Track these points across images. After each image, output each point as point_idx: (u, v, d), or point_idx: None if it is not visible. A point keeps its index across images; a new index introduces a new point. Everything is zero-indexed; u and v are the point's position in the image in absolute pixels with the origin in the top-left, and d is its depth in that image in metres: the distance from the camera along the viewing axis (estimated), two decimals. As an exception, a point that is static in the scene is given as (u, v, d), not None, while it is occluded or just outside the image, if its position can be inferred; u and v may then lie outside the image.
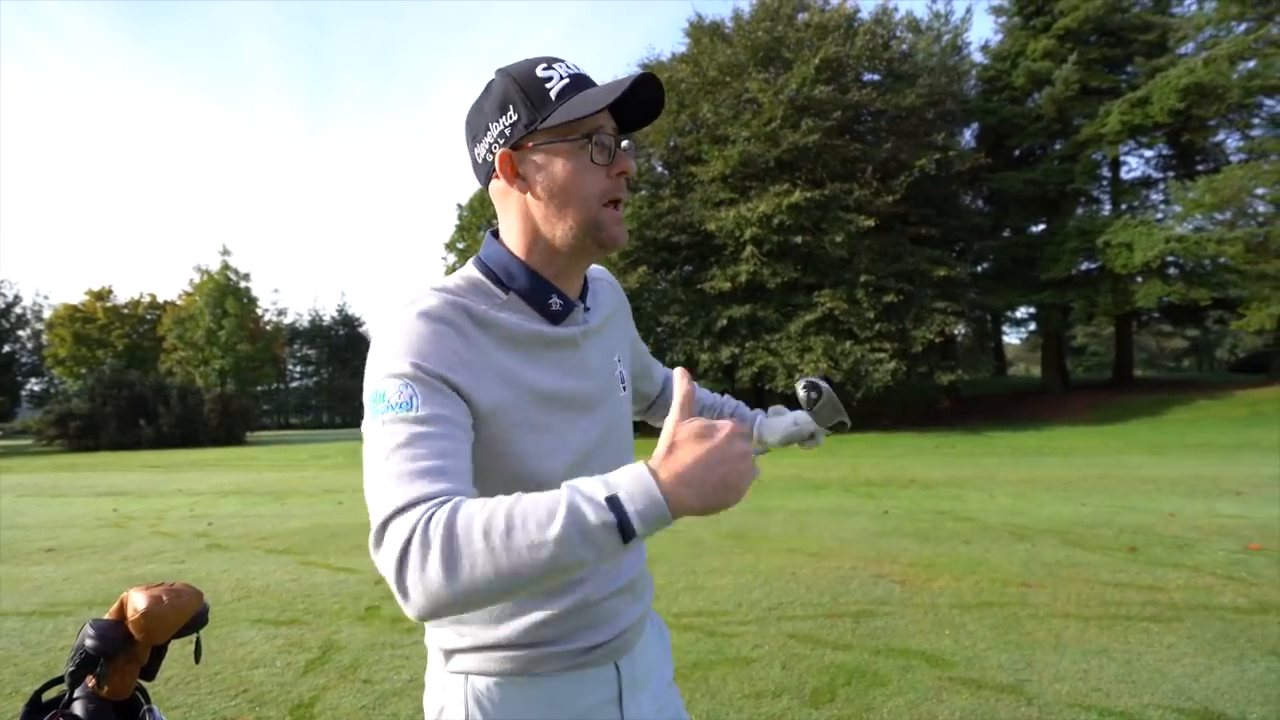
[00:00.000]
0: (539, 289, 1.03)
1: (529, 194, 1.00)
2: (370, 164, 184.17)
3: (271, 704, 3.20)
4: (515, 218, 1.03)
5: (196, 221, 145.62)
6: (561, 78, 0.97)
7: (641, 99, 0.99)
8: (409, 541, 0.74)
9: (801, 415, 1.33)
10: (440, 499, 0.77)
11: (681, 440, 0.77)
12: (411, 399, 0.85)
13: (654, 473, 0.75)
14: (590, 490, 0.74)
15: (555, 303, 1.04)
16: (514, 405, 0.97)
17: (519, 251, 1.03)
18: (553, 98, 0.96)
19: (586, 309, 1.11)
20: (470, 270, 1.04)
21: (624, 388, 1.17)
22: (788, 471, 12.43)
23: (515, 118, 0.98)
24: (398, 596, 0.74)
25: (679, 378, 0.85)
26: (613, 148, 0.99)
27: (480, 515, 0.73)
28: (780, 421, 1.36)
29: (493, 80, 1.01)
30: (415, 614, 0.74)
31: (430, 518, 0.74)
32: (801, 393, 1.20)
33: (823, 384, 1.21)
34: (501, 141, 0.99)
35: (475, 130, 1.03)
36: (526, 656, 1.01)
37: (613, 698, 1.07)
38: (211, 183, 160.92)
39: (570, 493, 0.74)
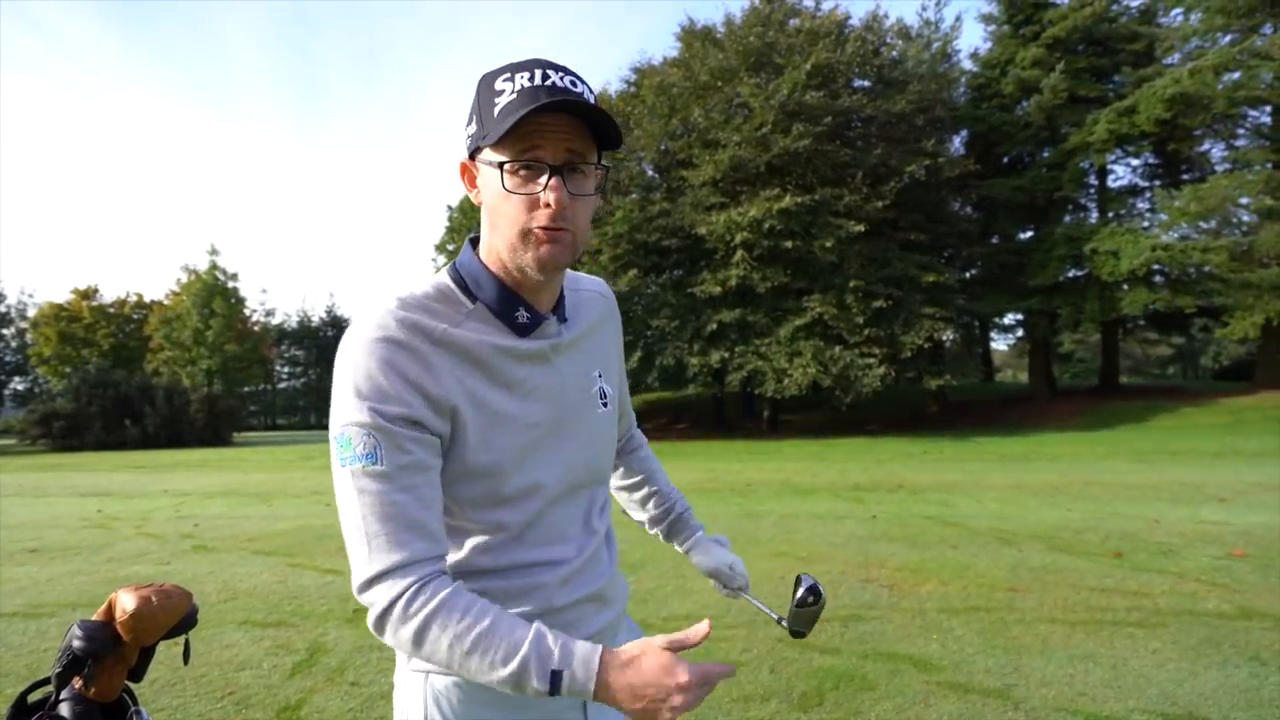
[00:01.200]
0: (505, 301, 1.02)
1: (482, 205, 1.01)
2: (360, 164, 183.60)
3: (258, 706, 3.18)
4: (482, 225, 1.03)
5: (184, 221, 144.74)
6: (513, 91, 0.93)
7: (597, 118, 0.94)
8: (390, 609, 0.90)
9: (739, 563, 1.34)
10: (420, 580, 0.90)
11: (648, 666, 0.87)
12: (375, 450, 0.91)
13: (604, 668, 0.87)
14: (545, 659, 0.87)
15: (522, 315, 1.02)
16: (476, 425, 0.98)
17: (488, 260, 1.02)
18: (495, 113, 0.94)
19: (563, 320, 1.09)
20: (442, 278, 1.03)
21: (604, 404, 1.14)
22: (776, 476, 12.46)
23: (474, 129, 0.98)
24: (372, 629, 0.92)
25: (702, 627, 0.92)
26: (545, 177, 0.93)
27: (453, 626, 0.88)
28: (718, 555, 1.33)
29: None
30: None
31: (414, 597, 0.89)
32: (800, 592, 1.20)
33: (823, 596, 1.22)
34: (465, 150, 1.01)
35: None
36: None
37: (576, 703, 1.08)
38: (199, 182, 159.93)
39: (530, 651, 0.87)
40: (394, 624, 0.89)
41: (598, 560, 1.13)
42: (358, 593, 0.92)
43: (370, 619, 0.91)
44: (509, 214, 0.95)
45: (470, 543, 1.02)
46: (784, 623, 1.22)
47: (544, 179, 0.93)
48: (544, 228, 0.94)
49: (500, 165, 0.94)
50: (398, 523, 0.90)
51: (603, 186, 1.02)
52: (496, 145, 0.94)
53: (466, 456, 0.98)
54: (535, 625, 0.89)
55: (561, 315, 1.09)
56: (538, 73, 0.93)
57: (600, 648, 0.88)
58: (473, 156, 1.00)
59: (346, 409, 0.92)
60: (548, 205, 0.93)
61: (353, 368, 0.92)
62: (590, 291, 1.19)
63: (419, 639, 0.88)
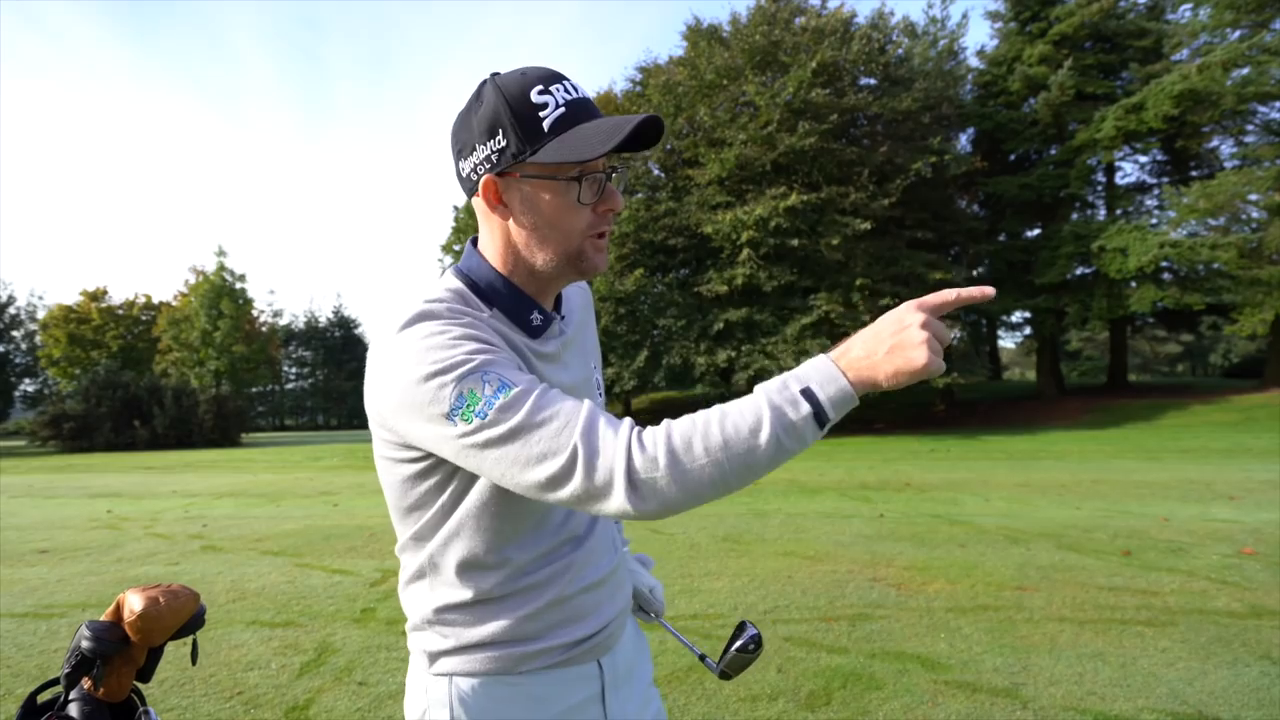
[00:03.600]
0: (520, 305, 1.02)
1: (511, 219, 0.99)
2: (366, 166, 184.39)
3: (266, 706, 3.19)
4: (497, 237, 1.02)
5: (192, 222, 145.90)
6: (557, 105, 0.93)
7: (642, 128, 0.95)
8: (630, 460, 0.81)
9: (659, 589, 1.33)
10: (629, 422, 0.84)
11: (877, 323, 0.84)
12: (500, 381, 0.85)
13: (835, 361, 0.83)
14: (785, 390, 0.82)
15: (536, 318, 1.03)
16: None
17: (500, 267, 1.02)
18: (545, 129, 0.93)
19: (562, 317, 1.11)
20: (453, 281, 1.02)
21: (600, 395, 1.18)
22: (783, 475, 12.44)
23: (504, 144, 0.94)
24: (626, 505, 0.81)
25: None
26: (603, 184, 0.97)
27: (697, 432, 0.81)
28: (640, 576, 1.32)
29: (484, 89, 0.97)
30: (646, 517, 0.82)
31: (640, 437, 0.82)
32: (743, 639, 1.19)
33: (763, 646, 1.22)
34: (488, 166, 0.96)
35: (461, 145, 0.99)
36: (510, 655, 1.01)
37: (595, 695, 1.08)
38: (208, 184, 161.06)
39: (767, 396, 0.82)
40: (644, 474, 0.79)
41: (608, 535, 1.15)
42: (581, 477, 0.81)
43: (620, 495, 0.80)
44: (576, 225, 0.97)
45: (503, 537, 1.00)
46: (708, 661, 1.22)
47: (605, 186, 0.98)
48: (601, 232, 1.00)
49: (578, 178, 0.95)
50: (565, 406, 0.84)
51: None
52: (551, 165, 0.94)
53: None
54: (756, 388, 0.84)
55: (561, 313, 1.11)
56: (566, 83, 0.96)
57: (820, 355, 0.85)
58: (502, 173, 0.97)
59: (449, 375, 0.85)
60: (610, 209, 0.99)
61: (420, 352, 0.87)
62: (574, 287, 1.21)
63: (678, 471, 0.79)
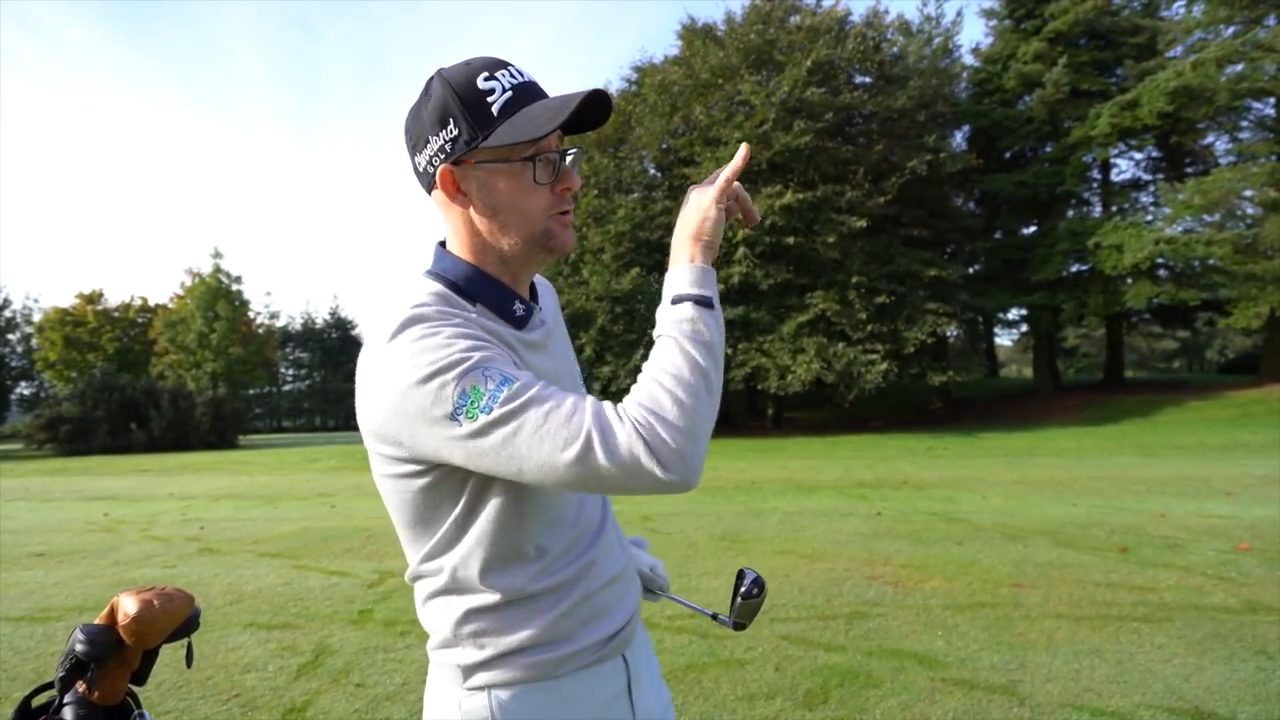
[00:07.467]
0: (502, 297, 1.02)
1: (472, 208, 0.99)
2: (362, 166, 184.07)
3: (264, 708, 3.19)
4: (461, 229, 1.02)
5: (188, 224, 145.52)
6: (504, 90, 0.94)
7: (589, 106, 0.96)
8: (641, 435, 0.83)
9: (660, 565, 1.33)
10: (613, 405, 0.87)
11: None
12: (502, 376, 0.86)
13: (691, 262, 0.96)
14: (678, 311, 0.93)
15: (518, 308, 1.04)
16: None
17: (471, 260, 1.02)
18: (494, 113, 0.93)
19: (540, 308, 1.11)
20: (432, 284, 1.00)
21: (580, 384, 1.20)
22: (780, 474, 12.45)
23: (456, 133, 0.95)
24: (657, 474, 0.83)
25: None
26: (557, 164, 0.98)
27: (660, 390, 0.86)
28: (640, 558, 1.32)
29: (431, 83, 0.98)
30: (674, 484, 0.85)
31: (636, 415, 0.85)
32: (746, 584, 1.19)
33: (765, 589, 1.22)
34: (442, 156, 0.97)
35: (415, 139, 1.00)
36: (549, 659, 1.00)
37: (623, 689, 1.09)
38: (203, 185, 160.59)
39: (669, 328, 0.92)
40: (652, 439, 0.83)
41: (615, 529, 1.16)
42: (604, 459, 0.82)
43: (650, 466, 0.82)
44: (536, 206, 0.98)
45: (524, 535, 0.99)
46: (720, 617, 1.22)
47: (560, 166, 0.99)
48: (563, 210, 1.00)
49: (531, 159, 0.96)
50: (568, 395, 0.87)
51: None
52: (504, 148, 0.95)
53: None
54: (657, 331, 0.95)
55: (538, 303, 1.12)
56: (511, 69, 0.98)
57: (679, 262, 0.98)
58: (458, 162, 0.97)
59: (442, 378, 0.84)
60: (567, 189, 1.00)
61: (415, 355, 0.86)
62: (542, 281, 1.21)
63: (665, 423, 0.84)
